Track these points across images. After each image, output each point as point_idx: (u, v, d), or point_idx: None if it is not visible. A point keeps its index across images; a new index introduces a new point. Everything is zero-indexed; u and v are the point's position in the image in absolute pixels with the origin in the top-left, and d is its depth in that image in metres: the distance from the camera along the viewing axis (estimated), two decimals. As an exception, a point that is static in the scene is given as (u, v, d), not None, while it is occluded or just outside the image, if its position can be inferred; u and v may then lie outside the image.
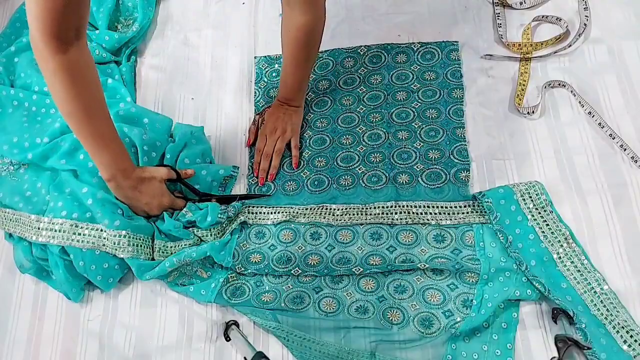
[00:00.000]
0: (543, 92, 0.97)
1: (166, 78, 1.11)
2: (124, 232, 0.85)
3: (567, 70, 0.99)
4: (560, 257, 0.82)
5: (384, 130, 0.98)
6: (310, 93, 1.04)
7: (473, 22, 1.07)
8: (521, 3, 1.07)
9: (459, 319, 0.80)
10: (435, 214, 0.89)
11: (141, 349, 0.86)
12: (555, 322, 0.79)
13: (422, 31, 1.07)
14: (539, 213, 0.85)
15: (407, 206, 0.90)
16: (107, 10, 1.13)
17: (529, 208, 0.86)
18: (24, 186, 0.96)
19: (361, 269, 0.85)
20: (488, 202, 0.86)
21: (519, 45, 1.02)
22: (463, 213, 0.89)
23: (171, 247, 0.89)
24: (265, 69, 1.09)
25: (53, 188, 0.92)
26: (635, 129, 0.92)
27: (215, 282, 0.87)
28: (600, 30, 1.02)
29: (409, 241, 0.88)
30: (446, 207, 0.89)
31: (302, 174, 0.97)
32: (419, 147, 0.96)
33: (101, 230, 0.86)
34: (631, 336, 0.75)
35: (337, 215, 0.91)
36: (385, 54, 1.06)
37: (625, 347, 0.74)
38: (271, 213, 0.93)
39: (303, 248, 0.89)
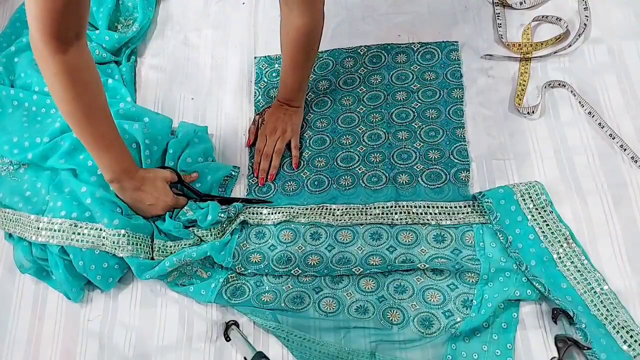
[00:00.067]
0: (543, 92, 0.97)
1: (166, 78, 1.11)
2: (123, 231, 0.85)
3: (567, 70, 0.99)
4: (560, 257, 0.82)
5: (384, 130, 0.98)
6: (310, 93, 1.04)
7: (473, 22, 1.07)
8: (521, 3, 1.07)
9: (459, 319, 0.80)
10: (435, 214, 0.89)
11: (141, 349, 0.86)
12: (555, 322, 0.79)
13: (422, 31, 1.07)
14: (539, 213, 0.85)
15: (407, 206, 0.90)
16: (107, 10, 1.13)
17: (529, 208, 0.86)
18: (24, 186, 0.96)
19: (361, 269, 0.85)
20: (488, 202, 0.86)
21: (519, 45, 1.02)
22: (463, 213, 0.89)
23: (171, 246, 0.89)
24: (265, 69, 1.09)
25: (52, 188, 0.92)
26: (635, 129, 0.92)
27: (215, 282, 0.87)
28: (600, 30, 1.02)
29: (409, 241, 0.88)
30: (446, 207, 0.89)
31: (302, 174, 0.97)
32: (419, 147, 0.96)
33: (100, 230, 0.86)
34: (631, 336, 0.75)
35: (337, 215, 0.91)
36: (385, 54, 1.06)
37: (625, 347, 0.74)
38: (271, 213, 0.93)
39: (303, 248, 0.89)
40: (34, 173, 0.97)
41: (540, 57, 1.01)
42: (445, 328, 0.80)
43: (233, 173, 0.99)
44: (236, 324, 0.84)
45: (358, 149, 0.98)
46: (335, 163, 0.97)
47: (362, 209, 0.91)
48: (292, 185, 0.96)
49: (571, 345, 0.75)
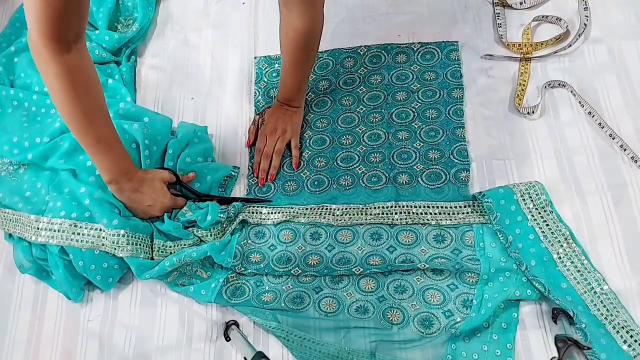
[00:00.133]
0: (543, 92, 0.97)
1: (166, 78, 1.11)
2: (122, 231, 0.85)
3: (567, 70, 0.99)
4: (560, 257, 0.82)
5: (384, 130, 0.98)
6: (310, 93, 1.04)
7: (473, 22, 1.07)
8: (521, 3, 1.07)
9: (459, 319, 0.80)
10: (435, 214, 0.89)
11: (141, 349, 0.86)
12: (555, 322, 0.79)
13: (422, 31, 1.07)
14: (539, 213, 0.85)
15: (407, 206, 0.90)
16: (107, 10, 1.13)
17: (529, 208, 0.86)
18: (24, 186, 0.96)
19: (361, 269, 0.85)
20: (488, 202, 0.86)
21: (519, 45, 1.02)
22: (463, 213, 0.89)
23: (170, 246, 0.89)
24: (265, 69, 1.09)
25: (52, 188, 0.92)
26: (635, 129, 0.92)
27: (215, 282, 0.87)
28: (600, 30, 1.02)
29: (409, 241, 0.88)
30: (446, 207, 0.89)
31: (302, 174, 0.97)
32: (419, 147, 0.96)
33: (100, 230, 0.86)
34: (631, 336, 0.75)
35: (337, 215, 0.91)
36: (385, 54, 1.06)
37: (625, 347, 0.74)
38: (271, 213, 0.93)
39: (303, 248, 0.89)
40: (33, 173, 0.97)
41: (540, 57, 1.01)
42: (445, 328, 0.80)
43: (233, 173, 0.99)
44: (236, 324, 0.84)
45: (358, 149, 0.98)
46: (335, 163, 0.97)
47: (362, 209, 0.91)
48: (292, 185, 0.96)
49: (571, 345, 0.75)
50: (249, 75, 1.10)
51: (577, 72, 0.99)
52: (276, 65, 1.09)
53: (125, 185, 0.85)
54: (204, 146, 0.98)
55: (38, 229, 0.88)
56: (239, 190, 0.98)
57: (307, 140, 1.01)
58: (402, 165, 0.94)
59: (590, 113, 0.94)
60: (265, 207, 0.94)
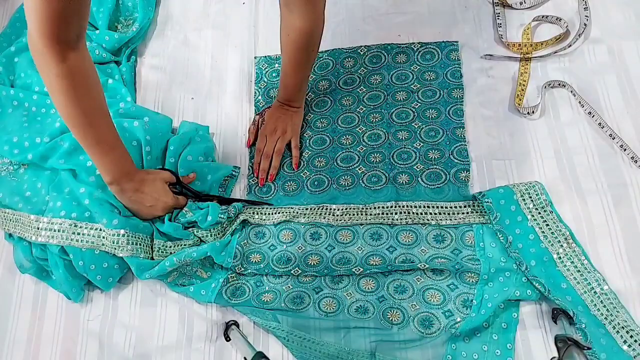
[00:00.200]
0: (543, 92, 0.97)
1: (166, 78, 1.11)
2: (122, 231, 0.85)
3: (567, 70, 0.99)
4: (560, 257, 0.82)
5: (384, 131, 0.98)
6: (310, 93, 1.04)
7: (473, 22, 1.07)
8: (521, 3, 1.07)
9: (459, 319, 0.80)
10: (435, 214, 0.89)
11: (141, 349, 0.86)
12: (555, 322, 0.79)
13: (422, 31, 1.07)
14: (539, 213, 0.85)
15: (407, 206, 0.90)
16: (107, 10, 1.13)
17: (529, 208, 0.86)
18: (24, 186, 0.96)
19: (361, 269, 0.85)
20: (488, 202, 0.86)
21: (519, 45, 1.02)
22: (463, 213, 0.89)
23: (170, 246, 0.89)
24: (265, 69, 1.09)
25: (52, 188, 0.92)
26: (635, 129, 0.92)
27: (215, 283, 0.87)
28: (600, 30, 1.02)
29: (409, 241, 0.88)
30: (446, 207, 0.89)
31: (302, 174, 0.97)
32: (419, 147, 0.96)
33: (100, 230, 0.86)
34: (631, 336, 0.75)
35: (337, 215, 0.91)
36: (385, 54, 1.06)
37: (625, 347, 0.74)
38: (271, 213, 0.93)
39: (303, 248, 0.89)
40: (33, 173, 0.97)
41: (540, 57, 1.01)
42: (445, 328, 0.80)
43: (234, 173, 0.99)
44: (236, 324, 0.84)
45: (358, 149, 0.98)
46: (335, 163, 0.97)
47: (362, 209, 0.91)
48: (292, 185, 0.96)
49: (571, 345, 0.75)
50: (249, 75, 1.10)
51: (577, 72, 0.99)
52: (276, 65, 1.09)
53: (126, 185, 0.85)
54: (205, 145, 0.98)
55: (38, 228, 0.88)
56: (239, 190, 0.98)
57: (307, 140, 1.01)
58: (402, 165, 0.94)
59: (590, 113, 0.94)
60: (266, 207, 0.94)
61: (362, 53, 1.07)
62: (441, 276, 0.84)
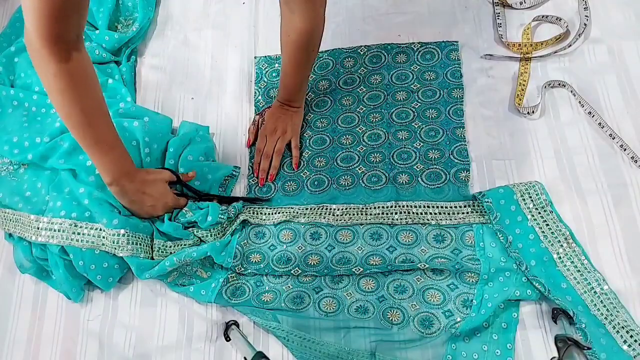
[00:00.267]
0: (543, 92, 0.97)
1: (166, 78, 1.11)
2: (122, 231, 0.85)
3: (567, 70, 0.99)
4: (560, 257, 0.82)
5: (384, 130, 0.98)
6: (310, 93, 1.04)
7: (473, 22, 1.07)
8: (521, 3, 1.07)
9: (459, 319, 0.80)
10: (435, 214, 0.89)
11: (141, 349, 0.86)
12: (555, 322, 0.79)
13: (422, 31, 1.07)
14: (539, 213, 0.85)
15: (407, 206, 0.90)
16: (107, 10, 1.13)
17: (529, 208, 0.86)
18: (24, 186, 0.96)
19: (361, 269, 0.85)
20: (488, 202, 0.86)
21: (519, 45, 1.02)
22: (463, 213, 0.89)
23: (170, 246, 0.89)
24: (265, 69, 1.09)
25: (52, 188, 0.92)
26: (635, 129, 0.92)
27: (215, 282, 0.87)
28: (600, 30, 1.02)
29: (409, 241, 0.88)
30: (446, 207, 0.89)
31: (302, 174, 0.97)
32: (419, 147, 0.96)
33: (100, 230, 0.86)
34: (631, 336, 0.75)
35: (337, 215, 0.91)
36: (385, 54, 1.06)
37: (625, 347, 0.74)
38: (271, 213, 0.93)
39: (303, 248, 0.89)
40: (33, 173, 0.97)
41: (540, 57, 1.01)
42: (445, 328, 0.80)
43: (234, 173, 0.99)
44: (236, 324, 0.84)
45: (358, 149, 0.98)
46: (335, 163, 0.97)
47: (362, 209, 0.91)
48: (292, 185, 0.96)
49: (571, 345, 0.75)
50: (249, 75, 1.09)
51: (577, 72, 0.99)
52: (276, 65, 1.09)
53: (127, 186, 0.85)
54: (205, 145, 0.98)
55: (38, 228, 0.88)
56: (239, 190, 0.98)
57: (307, 140, 1.01)
58: (402, 165, 0.94)
59: (590, 113, 0.94)
60: (266, 207, 0.94)
61: (362, 53, 1.07)
62: (441, 276, 0.84)
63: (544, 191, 0.87)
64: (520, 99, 0.97)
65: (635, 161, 0.89)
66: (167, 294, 0.89)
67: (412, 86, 1.02)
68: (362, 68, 1.06)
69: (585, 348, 0.75)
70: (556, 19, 1.04)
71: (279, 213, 0.93)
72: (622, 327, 0.75)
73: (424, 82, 1.02)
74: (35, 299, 0.92)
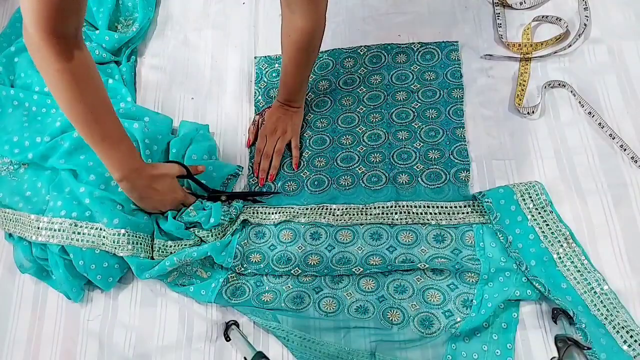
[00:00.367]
0: (543, 92, 0.97)
1: (166, 78, 1.11)
2: (122, 231, 0.85)
3: (567, 70, 0.99)
4: (560, 257, 0.82)
5: (384, 130, 0.98)
6: (310, 93, 1.04)
7: (473, 22, 1.07)
8: (521, 3, 1.07)
9: (459, 319, 0.80)
10: (435, 214, 0.89)
11: (141, 349, 0.86)
12: (555, 322, 0.79)
13: (422, 31, 1.07)
14: (539, 213, 0.85)
15: (407, 206, 0.90)
16: (107, 10, 1.13)
17: (529, 208, 0.86)
18: (24, 186, 0.96)
19: (361, 269, 0.85)
20: (488, 202, 0.86)
21: (519, 45, 1.02)
22: (463, 213, 0.89)
23: (171, 246, 0.89)
24: (265, 69, 1.09)
25: (53, 188, 0.92)
26: (635, 129, 0.92)
27: (215, 282, 0.87)
28: (600, 30, 1.02)
29: (409, 241, 0.88)
30: (446, 207, 0.89)
31: (302, 174, 0.97)
32: (419, 147, 0.96)
33: (100, 229, 0.86)
34: (631, 336, 0.75)
35: (337, 215, 0.91)
36: (385, 54, 1.06)
37: (625, 347, 0.74)
38: (271, 213, 0.93)
39: (303, 248, 0.89)
40: (34, 173, 0.97)
41: (540, 57, 1.01)
42: (445, 328, 0.80)
43: (238, 172, 0.99)
44: (236, 324, 0.84)
45: (358, 149, 0.98)
46: (335, 163, 0.97)
47: (362, 209, 0.91)
48: (292, 185, 0.97)
49: (571, 345, 0.75)
50: (249, 75, 1.10)
51: (577, 72, 0.99)
52: (276, 65, 1.09)
53: (136, 182, 0.83)
54: (208, 144, 0.98)
55: (38, 228, 0.88)
56: (239, 189, 0.98)
57: (307, 140, 1.01)
58: (402, 165, 0.94)
59: (590, 113, 0.94)
60: (266, 207, 0.94)
61: (362, 53, 1.07)
62: (441, 276, 0.84)
63: (544, 191, 0.87)
64: (520, 99, 0.97)
65: (635, 161, 0.89)
66: (167, 294, 0.89)
67: (412, 86, 1.02)
68: (362, 68, 1.06)
69: (585, 348, 0.75)
70: (556, 19, 1.04)
71: (279, 213, 0.93)
72: (622, 327, 0.75)
73: (424, 82, 1.02)
74: (35, 299, 0.92)
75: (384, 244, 0.88)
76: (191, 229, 0.90)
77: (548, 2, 1.07)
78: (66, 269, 0.87)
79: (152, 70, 1.12)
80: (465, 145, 0.94)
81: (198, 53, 1.13)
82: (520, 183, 0.89)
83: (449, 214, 0.89)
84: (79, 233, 0.87)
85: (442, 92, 1.00)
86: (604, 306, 0.78)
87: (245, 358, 0.81)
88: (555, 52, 1.01)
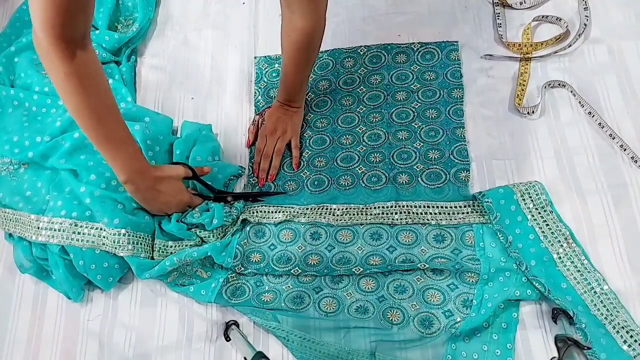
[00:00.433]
0: (543, 92, 0.97)
1: (166, 78, 1.11)
2: (123, 231, 0.85)
3: (567, 70, 0.99)
4: (560, 257, 0.82)
5: (384, 130, 0.98)
6: (310, 93, 1.04)
7: (473, 22, 1.07)
8: (521, 3, 1.07)
9: (459, 319, 0.80)
10: (435, 214, 0.89)
11: (141, 349, 0.86)
12: (555, 322, 0.79)
13: (422, 31, 1.07)
14: (539, 213, 0.85)
15: (407, 206, 0.90)
16: (107, 10, 1.13)
17: (529, 208, 0.86)
18: (24, 186, 0.96)
19: (361, 269, 0.85)
20: (488, 202, 0.86)
21: (519, 45, 1.02)
22: (463, 213, 0.89)
23: (171, 246, 0.89)
24: (265, 69, 1.09)
25: (53, 187, 0.92)
26: (635, 129, 0.92)
27: (215, 282, 0.87)
28: (600, 30, 1.02)
29: (409, 241, 0.88)
30: (446, 207, 0.89)
31: (302, 174, 0.97)
32: (419, 147, 0.96)
33: (101, 229, 0.86)
34: (631, 336, 0.75)
35: (337, 215, 0.91)
36: (385, 54, 1.06)
37: (625, 347, 0.74)
38: (272, 212, 0.93)
39: (303, 248, 0.89)
40: (34, 173, 0.97)
41: (540, 57, 1.01)
42: (445, 328, 0.80)
43: (241, 172, 0.99)
44: (236, 324, 0.84)
45: (358, 149, 0.98)
46: (335, 163, 0.97)
47: (362, 209, 0.91)
48: (292, 185, 0.97)
49: (571, 345, 0.75)
50: (249, 75, 1.10)
51: (577, 72, 0.99)
52: (276, 65, 1.09)
53: (141, 184, 0.84)
54: (212, 145, 0.98)
55: (38, 228, 0.88)
56: (239, 190, 0.98)
57: (307, 140, 1.01)
58: (402, 165, 0.94)
59: (590, 113, 0.94)
60: (266, 206, 0.94)
61: (362, 53, 1.07)
62: (441, 276, 0.84)
63: (544, 191, 0.87)
64: (520, 99, 0.97)
65: (635, 161, 0.89)
66: (167, 294, 0.89)
67: (412, 86, 1.02)
68: (362, 68, 1.06)
69: (585, 348, 0.75)
70: (556, 19, 1.04)
71: (279, 212, 0.93)
72: (622, 327, 0.75)
73: (424, 82, 1.02)
74: (35, 299, 0.92)
75: (384, 244, 0.88)
76: (193, 230, 0.90)
77: (548, 2, 1.07)
78: (66, 269, 0.87)
79: (152, 70, 1.12)
80: (465, 145, 0.94)
81: (198, 53, 1.13)
82: (520, 183, 0.89)
83: (449, 214, 0.89)
84: (79, 233, 0.87)
85: (442, 92, 1.00)
86: (604, 306, 0.78)
87: (245, 358, 0.81)
88: (555, 52, 1.01)
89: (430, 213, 0.89)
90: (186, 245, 0.89)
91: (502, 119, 0.97)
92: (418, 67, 1.04)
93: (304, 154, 0.99)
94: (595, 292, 0.79)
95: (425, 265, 0.84)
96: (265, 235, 0.92)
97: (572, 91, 0.97)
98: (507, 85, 1.00)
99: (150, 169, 0.85)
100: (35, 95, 1.03)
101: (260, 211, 0.93)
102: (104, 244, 0.86)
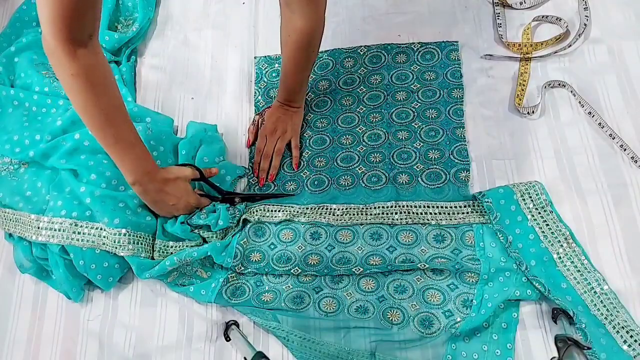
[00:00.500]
0: (543, 92, 0.97)
1: (166, 78, 1.11)
2: (123, 230, 0.85)
3: (567, 70, 0.99)
4: (560, 257, 0.82)
5: (384, 130, 0.98)
6: (310, 93, 1.04)
7: (473, 22, 1.07)
8: (521, 3, 1.07)
9: (459, 319, 0.80)
10: (435, 214, 0.89)
11: (141, 349, 0.86)
12: (555, 322, 0.79)
13: (422, 31, 1.07)
14: (539, 213, 0.85)
15: (407, 206, 0.90)
16: (107, 10, 1.13)
17: (529, 208, 0.86)
18: (24, 186, 0.96)
19: (361, 269, 0.85)
20: (488, 202, 0.86)
21: (519, 45, 1.02)
22: (463, 213, 0.89)
23: (172, 247, 0.89)
24: (265, 69, 1.09)
25: (53, 187, 0.92)
26: (635, 129, 0.92)
27: (215, 282, 0.87)
28: (600, 30, 1.02)
29: (409, 241, 0.88)
30: (446, 207, 0.89)
31: (302, 174, 0.97)
32: (419, 147, 0.96)
33: (101, 229, 0.86)
34: (631, 336, 0.75)
35: (337, 215, 0.91)
36: (385, 54, 1.06)
37: (625, 347, 0.74)
38: (272, 211, 0.93)
39: (303, 248, 0.89)
40: (34, 173, 0.97)
41: (540, 57, 1.01)
42: (445, 328, 0.80)
43: (246, 173, 0.99)
44: (236, 324, 0.84)
45: (358, 149, 0.98)
46: (335, 163, 0.97)
47: (362, 209, 0.91)
48: (292, 185, 0.96)
49: (571, 345, 0.75)
50: (249, 75, 1.10)
51: (577, 72, 0.99)
52: (276, 65, 1.09)
53: (149, 186, 0.84)
54: (218, 146, 0.98)
55: (39, 228, 0.88)
56: (240, 190, 0.98)
57: (307, 140, 1.01)
58: (402, 165, 0.94)
59: (590, 113, 0.94)
60: (266, 204, 0.94)
61: (362, 53, 1.07)
62: (441, 276, 0.84)
63: (544, 191, 0.87)
64: (520, 99, 0.97)
65: (635, 161, 0.89)
66: (167, 294, 0.89)
67: (412, 86, 1.02)
68: (362, 68, 1.06)
69: (585, 348, 0.75)
70: (556, 19, 1.04)
71: (279, 211, 0.93)
72: (622, 327, 0.75)
73: (424, 82, 1.02)
74: (35, 299, 0.92)
75: (384, 244, 0.88)
76: (196, 231, 0.90)
77: (548, 2, 1.07)
78: (66, 269, 0.87)
79: (152, 70, 1.12)
80: (465, 145, 0.94)
81: (198, 53, 1.13)
82: (520, 183, 0.89)
83: (449, 214, 0.89)
84: (79, 233, 0.87)
85: (442, 92, 1.00)
86: (604, 306, 0.78)
87: (245, 358, 0.81)
88: (555, 52, 1.01)
89: (430, 213, 0.89)
90: (187, 246, 0.89)
91: (502, 119, 0.97)
92: (418, 67, 1.04)
93: (304, 154, 0.99)
94: (595, 292, 0.79)
95: (425, 265, 0.84)
96: (265, 235, 0.92)
97: (572, 91, 0.97)
98: (507, 85, 1.00)
99: (159, 171, 0.85)
100: (35, 95, 1.03)
101: (261, 210, 0.93)
102: (104, 243, 0.86)
